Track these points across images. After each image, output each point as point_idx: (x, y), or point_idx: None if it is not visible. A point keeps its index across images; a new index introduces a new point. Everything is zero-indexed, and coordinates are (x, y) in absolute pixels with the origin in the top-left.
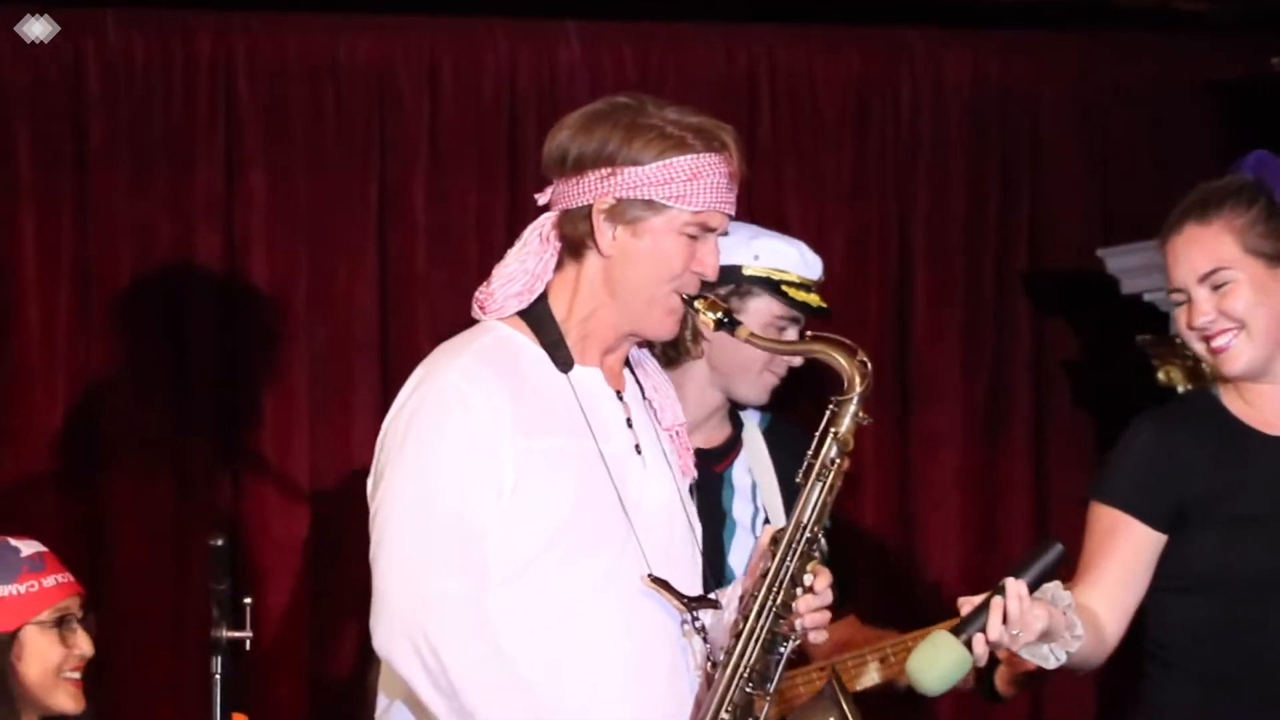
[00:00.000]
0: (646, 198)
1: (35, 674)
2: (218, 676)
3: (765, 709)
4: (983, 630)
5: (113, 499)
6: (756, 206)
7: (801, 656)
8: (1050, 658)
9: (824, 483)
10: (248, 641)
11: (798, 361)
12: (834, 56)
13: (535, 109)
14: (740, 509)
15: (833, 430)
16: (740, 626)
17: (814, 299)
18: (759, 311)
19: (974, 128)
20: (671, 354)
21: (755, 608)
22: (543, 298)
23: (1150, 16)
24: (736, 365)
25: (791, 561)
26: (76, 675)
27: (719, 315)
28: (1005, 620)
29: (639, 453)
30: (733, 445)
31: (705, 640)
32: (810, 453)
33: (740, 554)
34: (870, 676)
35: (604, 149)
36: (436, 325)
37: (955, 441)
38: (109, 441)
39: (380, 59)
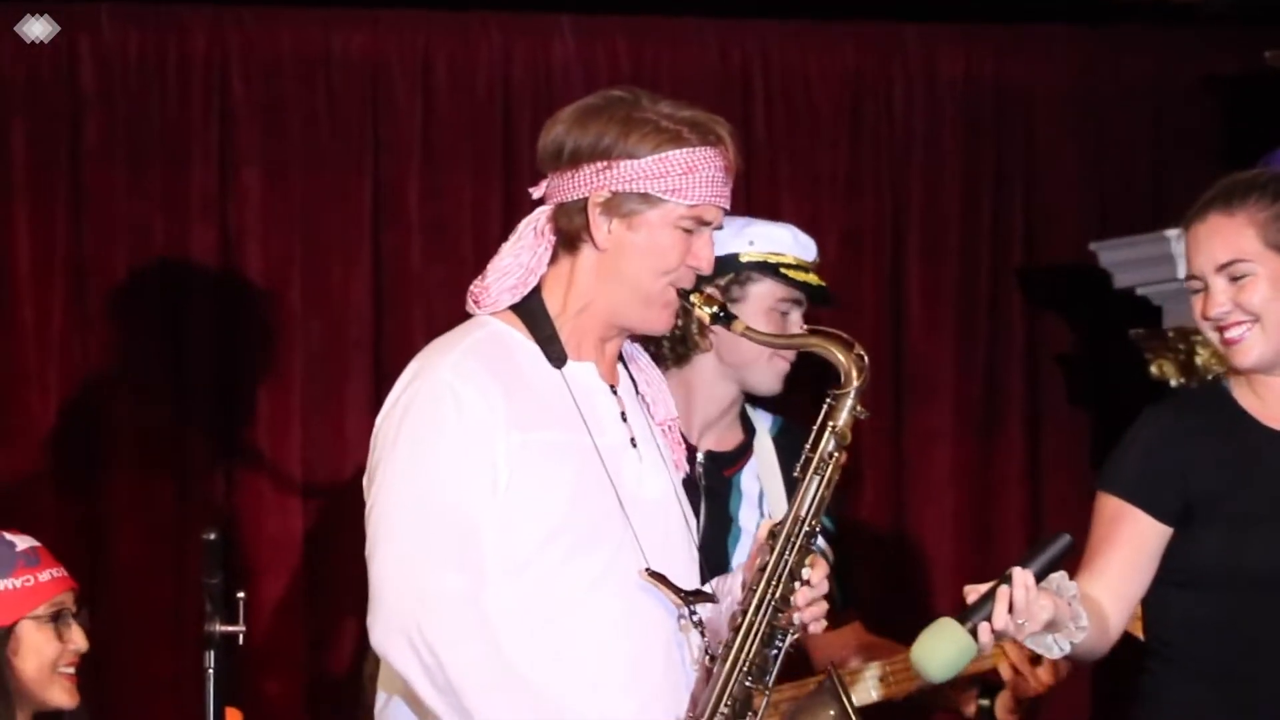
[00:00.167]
0: (642, 191)
1: (31, 669)
2: (211, 671)
3: (764, 702)
4: (988, 619)
5: (110, 496)
6: (751, 203)
7: (803, 658)
8: (1054, 648)
9: (822, 476)
10: (241, 636)
11: None
12: (828, 52)
13: (530, 104)
14: (746, 515)
15: (830, 424)
16: (739, 620)
17: (813, 279)
18: (761, 296)
19: (968, 123)
20: (681, 350)
21: (754, 601)
22: (536, 292)
23: (1144, 11)
24: (746, 355)
25: (790, 555)
26: (71, 670)
27: (714, 310)
28: (1011, 610)
29: (634, 446)
30: (743, 451)
31: (703, 634)
32: (808, 446)
33: (744, 558)
34: (869, 693)
35: (600, 143)
36: (431, 322)
37: (950, 436)
38: (105, 439)
39: (374, 54)
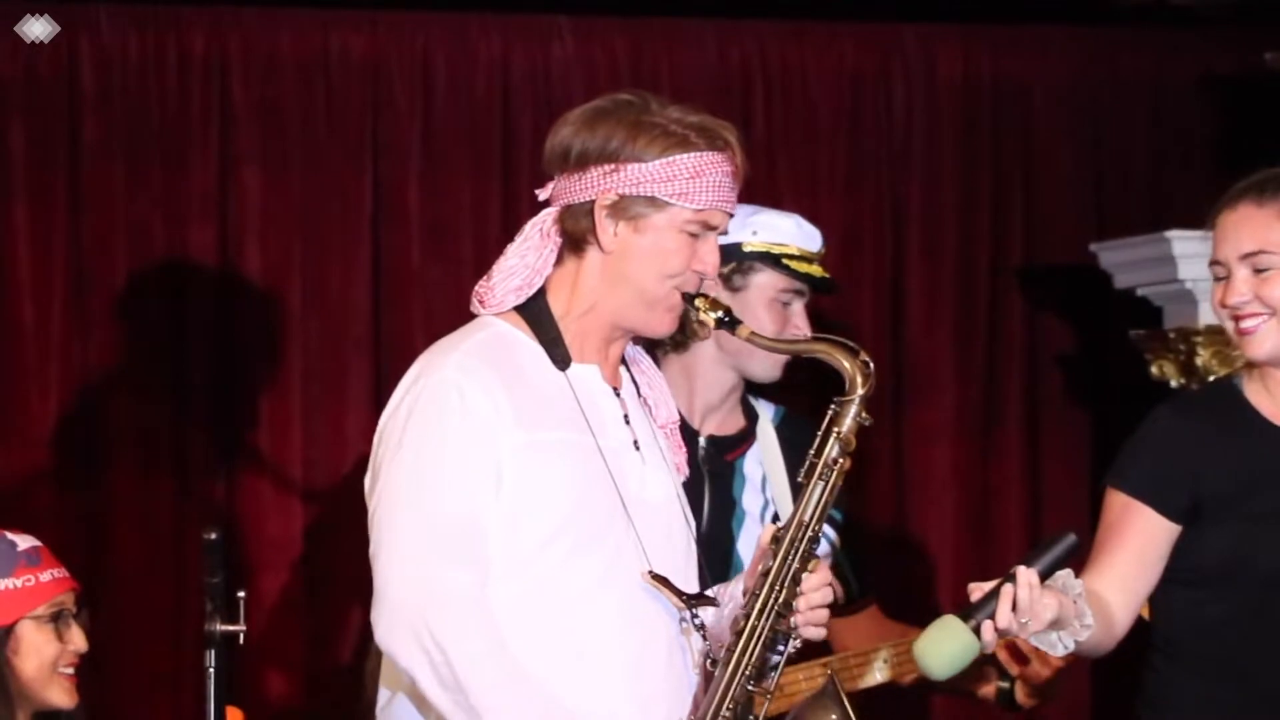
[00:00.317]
0: (649, 194)
1: (30, 669)
2: (211, 670)
3: (765, 707)
4: (991, 617)
5: (110, 494)
6: (750, 201)
7: (824, 647)
8: (1059, 645)
9: (825, 482)
10: (241, 635)
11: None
12: (827, 52)
13: (529, 104)
14: (750, 499)
15: (835, 430)
16: (742, 625)
17: (816, 270)
18: (763, 287)
19: (967, 123)
20: (679, 338)
21: (756, 606)
22: (541, 293)
23: (1142, 11)
24: (744, 344)
25: (793, 560)
26: (71, 671)
27: (719, 314)
28: (1014, 608)
29: (637, 449)
30: (745, 436)
31: (704, 638)
32: (812, 452)
33: (748, 542)
34: (875, 675)
35: (608, 145)
36: (430, 321)
37: (949, 436)
38: (105, 438)
39: (373, 54)
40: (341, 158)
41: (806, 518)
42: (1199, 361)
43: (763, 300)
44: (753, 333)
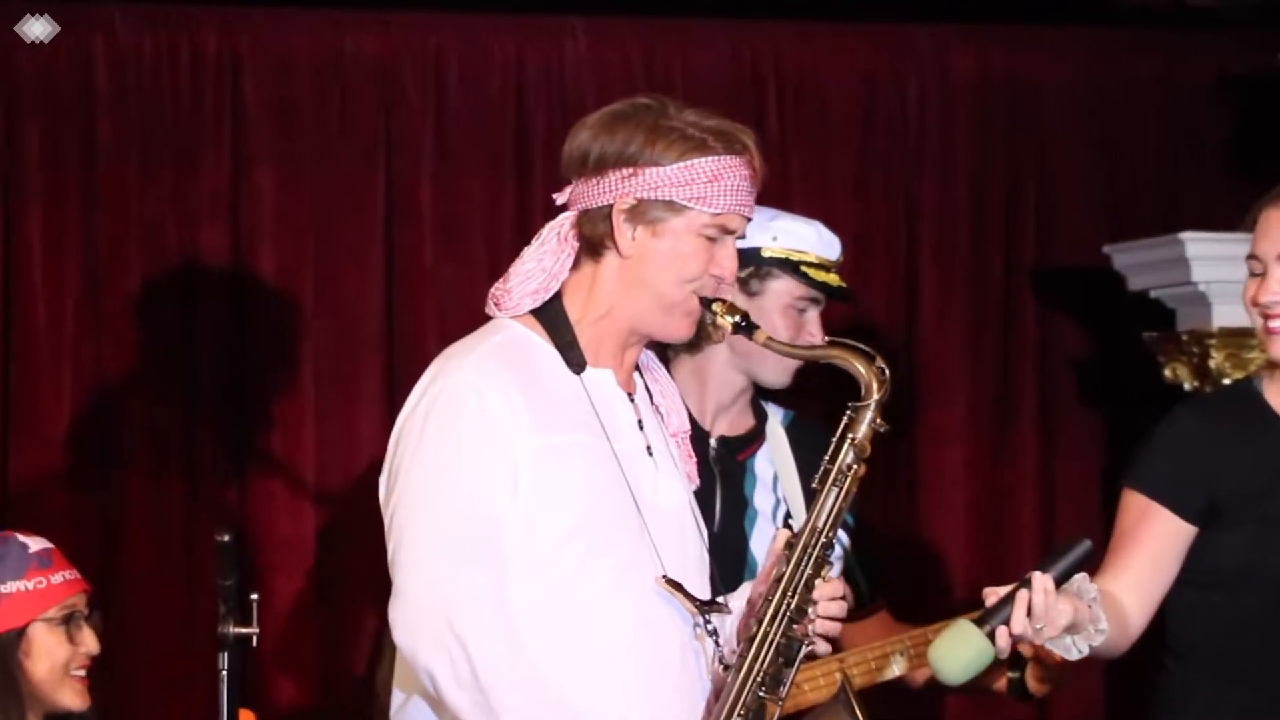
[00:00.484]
0: (667, 199)
1: (42, 671)
2: (224, 672)
3: (777, 713)
4: (1006, 623)
5: (122, 496)
6: (764, 202)
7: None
8: (1073, 650)
9: (840, 488)
10: (254, 638)
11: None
12: (840, 53)
13: (542, 105)
14: (761, 498)
15: (850, 436)
16: (754, 630)
17: (833, 279)
18: (779, 293)
19: (980, 124)
20: (692, 339)
21: (769, 612)
22: (557, 297)
23: (1158, 11)
24: (757, 348)
25: (806, 567)
26: (83, 673)
27: (736, 318)
28: (1029, 614)
29: (650, 454)
30: (756, 436)
31: (717, 644)
32: (827, 458)
33: (761, 541)
34: (894, 669)
35: (626, 150)
36: (443, 322)
37: (962, 438)
38: (117, 438)
39: (386, 54)
40: (354, 157)
41: (821, 524)
42: (1212, 364)
43: (779, 306)
44: (769, 338)
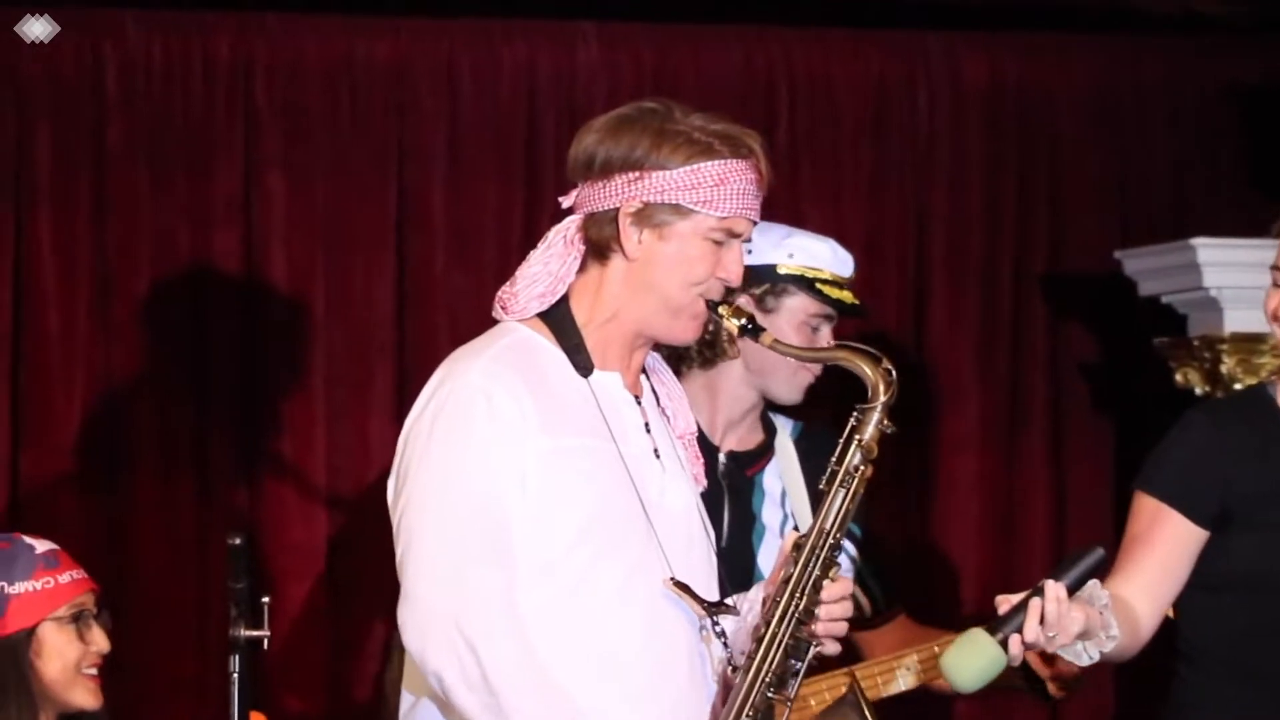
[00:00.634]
0: (674, 202)
1: (54, 670)
2: (236, 675)
3: (786, 714)
4: (1019, 631)
5: (133, 499)
6: (774, 208)
7: (853, 657)
8: (1084, 656)
9: (847, 490)
10: (265, 641)
11: None
12: (852, 59)
13: (554, 110)
14: (769, 514)
15: (857, 438)
16: (762, 632)
17: (847, 296)
18: (794, 310)
19: (992, 131)
20: (709, 354)
21: (777, 614)
22: (564, 300)
23: (1169, 19)
24: (771, 364)
25: (814, 568)
26: (94, 672)
27: (743, 321)
28: (1042, 622)
29: (657, 457)
30: (765, 451)
31: (725, 646)
32: (834, 460)
33: (768, 556)
34: (900, 683)
35: (632, 153)
36: (454, 327)
37: (973, 444)
38: (129, 443)
39: (398, 61)
40: (366, 163)
41: (828, 525)
42: (1223, 369)
43: (793, 323)
44: (775, 340)
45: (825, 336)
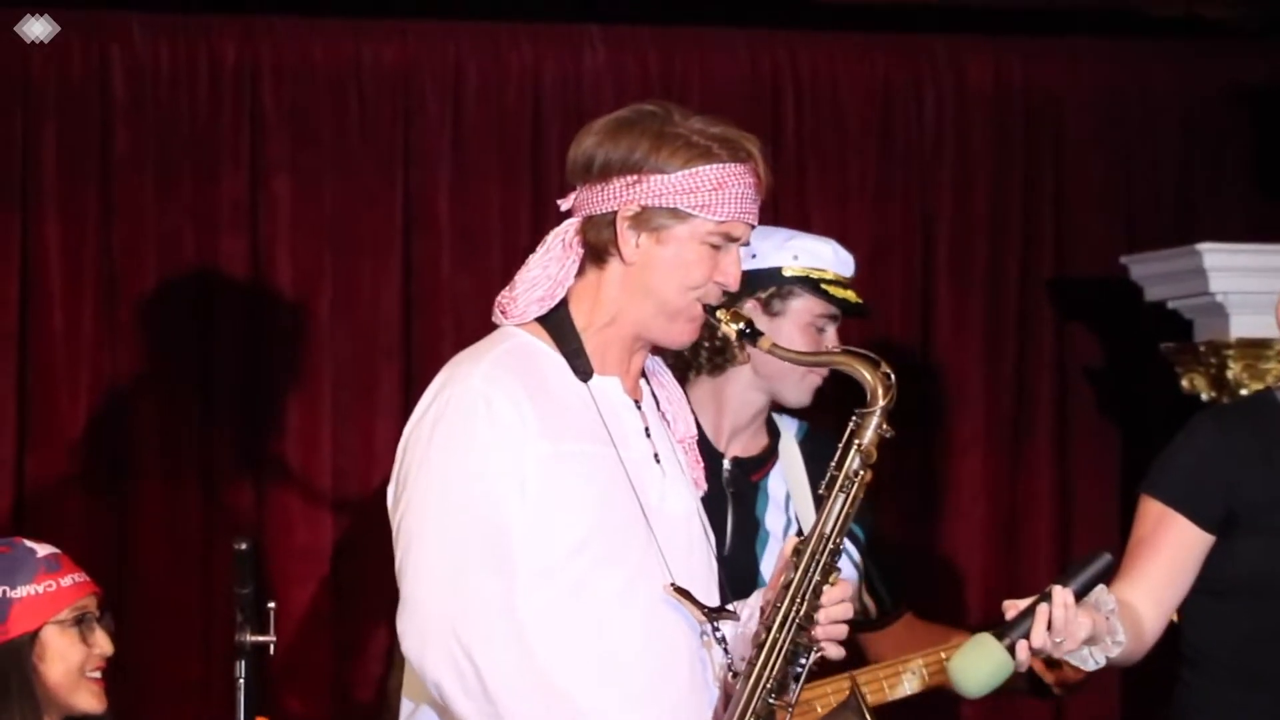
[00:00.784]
0: (672, 206)
1: (58, 674)
2: (241, 680)
3: (786, 719)
4: (1026, 636)
5: (139, 504)
6: (780, 212)
7: (860, 660)
8: (1090, 661)
9: (847, 495)
10: (271, 646)
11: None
12: (858, 62)
13: (560, 114)
14: (773, 519)
15: (856, 442)
16: (763, 637)
17: (851, 295)
18: (800, 311)
19: (997, 134)
20: (719, 360)
21: (778, 619)
22: (563, 304)
23: (1175, 22)
24: (781, 369)
25: (814, 573)
26: (98, 675)
27: (741, 326)
28: (1049, 628)
29: (657, 462)
30: (769, 456)
31: (725, 651)
32: (834, 464)
33: (772, 563)
34: (905, 687)
35: (630, 156)
36: (460, 331)
37: (979, 449)
38: (134, 446)
39: (404, 64)
40: (372, 167)
41: (828, 530)
42: (1230, 375)
43: (799, 324)
44: (774, 344)
45: (830, 336)
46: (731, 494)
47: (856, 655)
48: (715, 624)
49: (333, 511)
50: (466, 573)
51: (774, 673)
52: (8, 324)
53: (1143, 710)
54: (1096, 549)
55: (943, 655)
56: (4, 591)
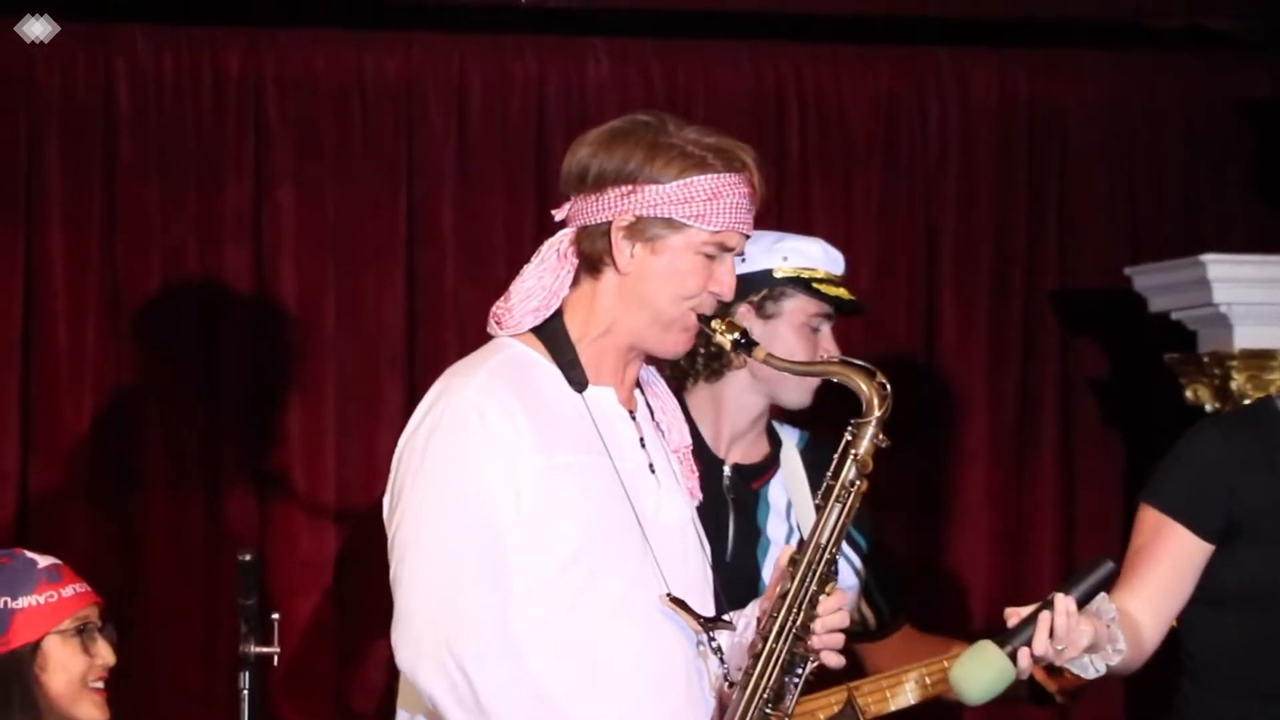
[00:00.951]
0: (666, 216)
1: (60, 684)
2: (245, 691)
3: None
4: (1028, 644)
5: (143, 515)
6: (784, 225)
7: (859, 671)
8: (1090, 669)
9: (843, 505)
10: (275, 657)
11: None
12: (862, 75)
13: (563, 126)
14: (775, 527)
15: (852, 452)
16: (759, 647)
17: (844, 293)
18: (794, 312)
19: (1001, 147)
20: (715, 366)
21: (774, 629)
22: (558, 314)
23: (1179, 34)
24: (778, 372)
25: (810, 583)
26: (100, 685)
27: (735, 335)
28: (1052, 635)
29: (652, 472)
30: (770, 464)
31: (721, 661)
32: (829, 474)
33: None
34: (907, 697)
35: (625, 167)
36: (464, 342)
37: (983, 460)
38: (138, 457)
39: (408, 76)
40: (376, 178)
41: (824, 540)
42: (1234, 385)
43: (794, 325)
44: (769, 354)
45: (826, 335)
46: (732, 500)
47: (854, 666)
48: (711, 634)
49: (336, 522)
50: (461, 585)
51: (771, 683)
52: (12, 335)
53: (1146, 718)
54: (1099, 557)
55: (945, 663)
56: (5, 602)
